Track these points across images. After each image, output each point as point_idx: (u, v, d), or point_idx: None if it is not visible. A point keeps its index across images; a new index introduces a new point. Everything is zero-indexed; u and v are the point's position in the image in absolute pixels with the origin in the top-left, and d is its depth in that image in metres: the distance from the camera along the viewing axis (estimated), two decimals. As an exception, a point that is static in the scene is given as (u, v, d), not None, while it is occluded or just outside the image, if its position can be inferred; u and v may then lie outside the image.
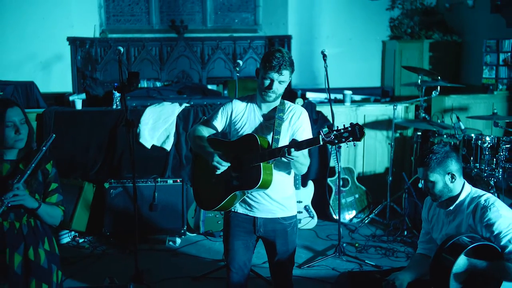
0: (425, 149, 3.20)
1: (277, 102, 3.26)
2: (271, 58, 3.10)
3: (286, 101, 3.31)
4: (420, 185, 3.25)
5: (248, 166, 3.08)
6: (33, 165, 2.73)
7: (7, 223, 2.74)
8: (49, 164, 2.90)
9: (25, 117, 2.81)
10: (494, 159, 5.16)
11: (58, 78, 8.77)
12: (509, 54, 7.16)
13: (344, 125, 2.83)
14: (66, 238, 5.38)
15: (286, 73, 3.13)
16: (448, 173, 3.12)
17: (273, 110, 3.25)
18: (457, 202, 3.19)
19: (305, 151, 3.05)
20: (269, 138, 3.15)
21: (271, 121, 3.21)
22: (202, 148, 3.28)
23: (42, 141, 4.14)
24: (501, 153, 5.12)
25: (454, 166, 3.13)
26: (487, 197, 3.17)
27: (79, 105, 5.98)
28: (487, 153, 5.18)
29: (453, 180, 3.14)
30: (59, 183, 2.96)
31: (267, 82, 3.13)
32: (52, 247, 2.90)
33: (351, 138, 2.79)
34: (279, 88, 3.16)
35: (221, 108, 3.36)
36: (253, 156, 3.06)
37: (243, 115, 3.30)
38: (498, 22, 7.52)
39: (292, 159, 2.94)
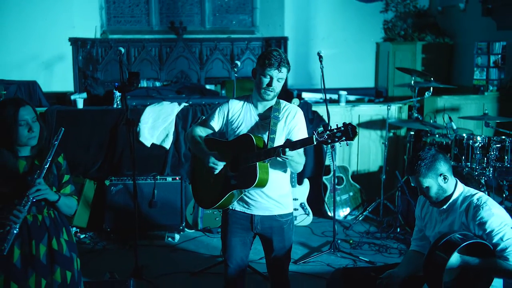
0: (411, 158, 3.17)
1: (273, 102, 3.24)
2: (270, 56, 3.08)
3: (281, 101, 3.29)
4: (413, 184, 3.23)
5: (245, 165, 3.07)
6: (49, 159, 2.75)
7: (30, 216, 2.77)
8: (61, 157, 2.93)
9: (36, 115, 2.84)
10: (485, 159, 5.16)
11: (60, 78, 8.74)
12: (499, 56, 7.17)
13: (337, 125, 2.81)
14: (67, 234, 5.35)
15: (284, 70, 3.12)
16: (440, 175, 3.11)
17: (269, 109, 3.23)
18: (450, 201, 3.18)
19: (300, 150, 3.03)
20: (265, 137, 3.13)
21: (267, 120, 3.19)
22: (198, 149, 3.27)
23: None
24: (492, 153, 5.12)
25: (443, 167, 3.12)
26: (480, 196, 3.16)
27: (80, 104, 5.96)
28: (478, 152, 5.18)
29: (446, 180, 3.13)
30: (70, 174, 3.00)
31: (266, 80, 3.11)
32: (70, 237, 2.94)
33: (344, 138, 2.78)
34: (277, 86, 3.14)
35: (218, 108, 3.34)
36: (249, 156, 3.04)
37: (239, 115, 3.28)
38: (489, 25, 7.53)
39: (287, 158, 2.92)
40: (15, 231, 2.64)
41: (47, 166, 2.75)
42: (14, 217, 2.63)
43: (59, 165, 2.91)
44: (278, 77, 3.11)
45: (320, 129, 2.85)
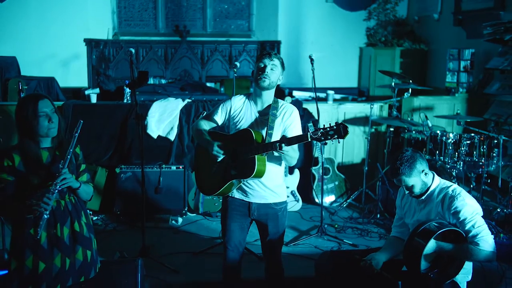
0: (393, 162, 3.13)
1: (271, 100, 3.18)
2: (264, 51, 3.23)
3: (279, 100, 3.24)
4: (399, 184, 3.19)
5: (244, 157, 3.02)
6: (71, 150, 2.70)
7: (54, 202, 2.70)
8: (78, 148, 2.87)
9: (54, 107, 2.75)
10: (456, 153, 5.15)
11: (75, 75, 8.64)
12: (468, 62, 7.14)
13: (330, 124, 2.78)
14: (81, 216, 5.29)
15: (276, 60, 3.12)
16: (422, 171, 3.09)
17: (267, 107, 3.18)
18: (428, 192, 3.17)
19: (295, 146, 2.99)
20: (263, 132, 3.08)
21: (265, 117, 3.15)
22: (203, 139, 3.21)
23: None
24: (462, 148, 5.12)
25: (422, 164, 3.11)
26: (454, 188, 3.16)
27: (94, 99, 5.88)
28: (450, 148, 5.17)
29: (427, 175, 3.13)
30: (85, 164, 2.95)
31: (261, 65, 3.10)
32: (88, 219, 2.91)
33: (336, 136, 2.74)
34: (271, 73, 3.11)
35: (221, 104, 3.29)
36: (248, 149, 3.00)
37: (240, 111, 3.23)
38: (460, 34, 7.52)
39: (283, 153, 2.89)
40: (45, 216, 2.59)
41: (70, 156, 2.69)
42: (45, 204, 2.57)
43: (76, 155, 2.86)
44: (271, 64, 3.10)
45: (310, 124, 2.82)
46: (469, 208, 3.04)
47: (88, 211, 5.20)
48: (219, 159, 3.08)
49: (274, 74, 3.12)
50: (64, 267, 2.71)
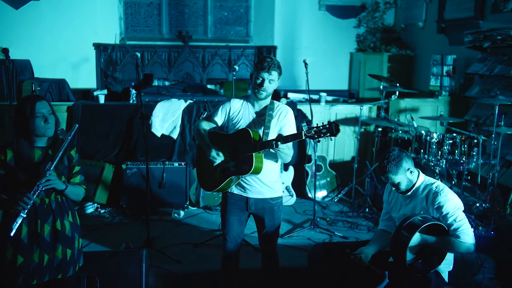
0: (381, 160, 3.12)
1: (268, 101, 3.18)
2: (263, 62, 3.07)
3: (275, 101, 3.24)
4: (386, 181, 3.19)
5: (243, 155, 3.01)
6: (60, 152, 2.63)
7: (38, 199, 2.64)
8: (73, 150, 2.79)
9: (51, 109, 2.69)
10: (439, 152, 5.15)
11: (85, 77, 8.61)
12: (451, 67, 7.14)
13: (323, 123, 2.76)
14: (90, 209, 5.26)
15: (274, 73, 3.07)
16: (407, 169, 3.09)
17: (264, 108, 3.17)
18: (413, 189, 3.16)
19: (290, 144, 2.98)
20: (260, 132, 3.07)
21: (262, 117, 3.14)
22: (203, 141, 3.20)
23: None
24: (445, 147, 5.12)
25: (408, 162, 3.11)
26: (438, 184, 3.16)
27: (102, 100, 5.84)
28: (434, 147, 5.17)
29: (412, 173, 3.12)
30: (81, 166, 2.86)
31: (259, 81, 3.07)
32: (74, 219, 2.81)
33: (328, 134, 2.73)
34: (269, 86, 3.09)
35: (221, 106, 3.28)
36: (247, 147, 2.99)
37: (239, 112, 3.22)
38: (443, 41, 7.52)
39: (279, 150, 2.88)
40: (23, 215, 2.52)
41: (58, 158, 2.61)
42: (24, 203, 2.51)
43: (71, 157, 2.77)
44: (269, 79, 3.06)
45: (304, 124, 2.81)
46: (451, 204, 3.04)
47: (95, 204, 5.24)
48: (215, 164, 3.07)
49: (271, 86, 3.11)
50: (42, 263, 2.63)
